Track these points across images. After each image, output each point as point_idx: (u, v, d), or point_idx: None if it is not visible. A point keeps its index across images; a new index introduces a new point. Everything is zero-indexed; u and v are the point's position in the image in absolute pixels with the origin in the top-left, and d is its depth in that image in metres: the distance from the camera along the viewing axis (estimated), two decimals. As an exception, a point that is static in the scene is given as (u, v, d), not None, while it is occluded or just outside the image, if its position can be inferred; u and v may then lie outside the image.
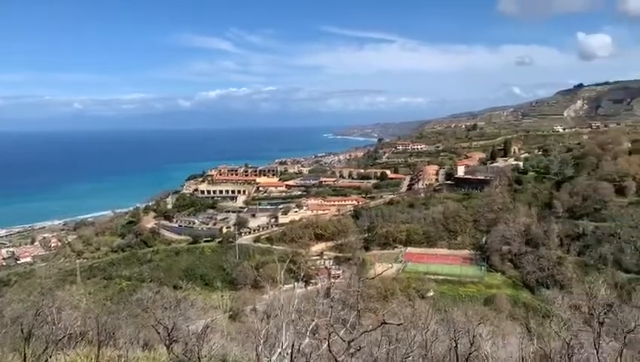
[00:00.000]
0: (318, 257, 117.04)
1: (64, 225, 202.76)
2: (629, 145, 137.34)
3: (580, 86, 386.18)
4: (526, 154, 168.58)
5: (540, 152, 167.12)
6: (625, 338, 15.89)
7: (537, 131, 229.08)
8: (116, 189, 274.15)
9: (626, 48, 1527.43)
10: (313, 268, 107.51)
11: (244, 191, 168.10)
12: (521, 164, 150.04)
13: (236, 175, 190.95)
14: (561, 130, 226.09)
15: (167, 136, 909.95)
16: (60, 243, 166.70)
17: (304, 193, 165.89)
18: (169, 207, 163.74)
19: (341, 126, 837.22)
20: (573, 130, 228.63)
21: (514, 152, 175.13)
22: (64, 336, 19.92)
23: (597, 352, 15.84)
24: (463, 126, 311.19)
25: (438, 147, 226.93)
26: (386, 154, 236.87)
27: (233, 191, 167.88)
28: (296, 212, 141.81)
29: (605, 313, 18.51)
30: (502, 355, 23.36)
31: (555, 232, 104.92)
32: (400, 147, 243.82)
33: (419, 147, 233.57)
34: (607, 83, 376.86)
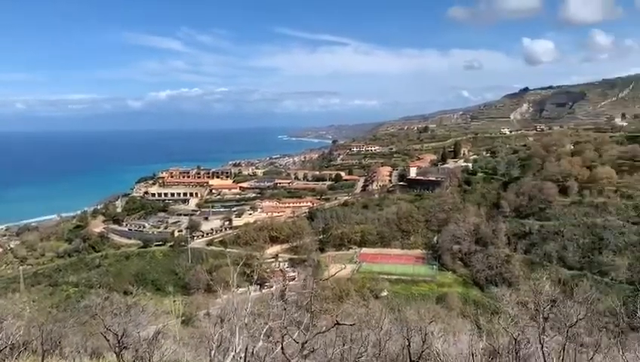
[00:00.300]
0: (273, 259, 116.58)
1: (6, 230, 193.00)
2: (572, 146, 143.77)
3: (526, 90, 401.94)
4: (475, 156, 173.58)
5: (488, 154, 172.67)
6: (567, 332, 16.53)
7: (485, 133, 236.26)
8: (62, 192, 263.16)
9: (568, 54, 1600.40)
10: (268, 270, 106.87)
11: (196, 194, 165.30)
12: (470, 165, 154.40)
13: (188, 177, 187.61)
14: (507, 133, 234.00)
15: (117, 137, 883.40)
16: (1, 250, 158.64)
17: (258, 195, 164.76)
18: (118, 210, 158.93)
19: (296, 127, 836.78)
20: (519, 132, 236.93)
21: (463, 154, 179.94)
22: (5, 347, 18.99)
23: (541, 347, 16.41)
24: (415, 128, 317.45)
25: (391, 149, 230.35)
26: (341, 156, 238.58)
27: (185, 194, 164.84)
28: (250, 214, 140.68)
29: (550, 308, 19.23)
30: (452, 352, 23.83)
31: (502, 231, 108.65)
32: (354, 149, 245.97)
33: (373, 149, 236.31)
34: (550, 87, 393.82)
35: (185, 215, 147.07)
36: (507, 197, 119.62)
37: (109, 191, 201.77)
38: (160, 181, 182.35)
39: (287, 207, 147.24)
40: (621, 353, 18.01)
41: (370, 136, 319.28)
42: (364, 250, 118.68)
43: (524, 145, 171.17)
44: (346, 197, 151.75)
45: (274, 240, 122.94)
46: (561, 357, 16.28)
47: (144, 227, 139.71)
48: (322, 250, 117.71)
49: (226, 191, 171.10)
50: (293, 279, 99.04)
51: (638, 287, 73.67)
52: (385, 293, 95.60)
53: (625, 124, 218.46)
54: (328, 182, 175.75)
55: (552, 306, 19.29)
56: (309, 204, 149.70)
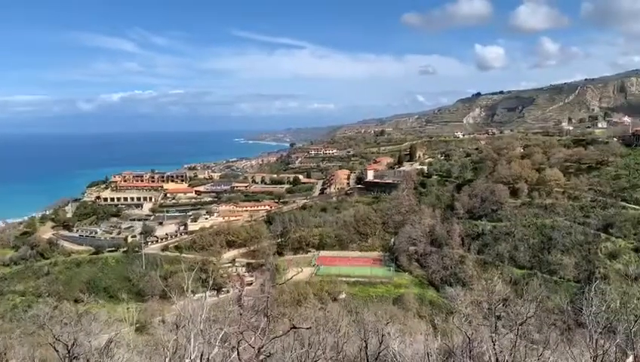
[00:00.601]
0: (230, 264, 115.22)
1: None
2: (522, 150, 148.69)
3: (478, 95, 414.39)
4: (430, 159, 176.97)
5: (443, 157, 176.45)
6: (518, 329, 17.00)
7: (440, 137, 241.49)
8: (7, 198, 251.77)
9: (518, 60, 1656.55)
10: (225, 275, 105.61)
11: (150, 198, 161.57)
12: (425, 168, 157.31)
13: (142, 181, 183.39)
14: (461, 136, 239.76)
15: (67, 140, 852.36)
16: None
17: (215, 199, 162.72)
18: (69, 215, 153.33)
19: (253, 130, 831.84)
20: (472, 136, 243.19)
21: (419, 157, 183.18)
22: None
23: (494, 345, 16.82)
24: (373, 131, 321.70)
25: (349, 152, 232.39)
26: (299, 159, 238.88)
27: (139, 199, 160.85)
28: (206, 219, 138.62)
29: (502, 307, 19.76)
30: (409, 352, 24.15)
31: (457, 232, 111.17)
32: (312, 152, 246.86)
33: (331, 152, 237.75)
34: (501, 92, 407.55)
35: (139, 220, 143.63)
36: (461, 199, 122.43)
37: (58, 195, 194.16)
38: (112, 185, 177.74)
39: (245, 210, 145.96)
40: (568, 348, 18.68)
41: (328, 139, 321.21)
42: (323, 253, 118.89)
43: (477, 149, 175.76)
44: (305, 201, 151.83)
45: (231, 245, 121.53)
46: (512, 354, 16.71)
47: (96, 233, 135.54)
48: (280, 254, 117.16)
49: (182, 195, 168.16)
50: (251, 284, 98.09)
51: (584, 285, 76.64)
52: (343, 296, 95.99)
53: (571, 128, 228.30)
54: (286, 186, 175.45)
55: (504, 305, 19.81)
56: (266, 207, 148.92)
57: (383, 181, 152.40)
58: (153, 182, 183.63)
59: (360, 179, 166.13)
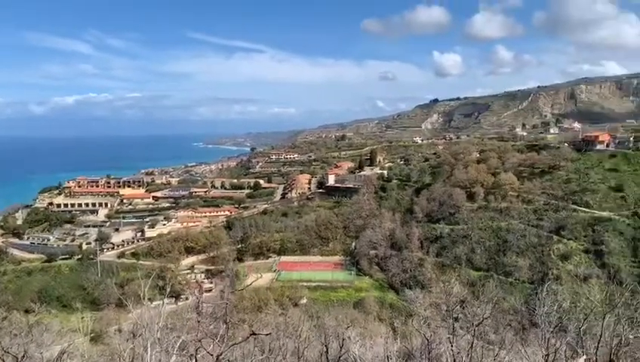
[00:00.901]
0: (188, 271, 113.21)
1: None
2: (478, 154, 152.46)
3: (436, 101, 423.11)
4: (390, 164, 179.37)
5: (402, 162, 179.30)
6: (475, 330, 17.31)
7: (399, 142, 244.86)
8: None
9: (474, 67, 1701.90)
10: (183, 282, 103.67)
11: (106, 204, 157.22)
12: (385, 172, 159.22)
13: (97, 187, 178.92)
14: (420, 141, 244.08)
15: (18, 143, 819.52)
16: None
17: (173, 205, 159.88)
18: (19, 222, 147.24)
19: (212, 135, 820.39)
20: (430, 141, 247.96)
21: (379, 162, 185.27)
22: None
23: (452, 346, 17.08)
24: (333, 136, 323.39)
25: (310, 156, 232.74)
26: (260, 164, 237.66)
27: (94, 205, 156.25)
28: (164, 225, 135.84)
29: (461, 308, 20.09)
30: (369, 356, 24.28)
31: (416, 236, 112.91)
32: (273, 156, 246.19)
33: (292, 156, 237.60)
34: (458, 98, 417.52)
35: (94, 226, 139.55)
36: (420, 203, 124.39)
37: (8, 202, 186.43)
38: (66, 191, 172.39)
39: (204, 216, 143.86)
40: (522, 348, 19.16)
41: (289, 144, 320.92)
42: (284, 258, 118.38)
43: (435, 154, 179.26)
44: (266, 206, 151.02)
45: (189, 251, 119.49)
46: (469, 355, 17.00)
47: (48, 240, 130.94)
48: (240, 260, 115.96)
49: (139, 200, 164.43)
50: (210, 290, 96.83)
51: (537, 286, 79.01)
52: (304, 301, 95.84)
53: (525, 133, 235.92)
54: (247, 191, 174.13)
55: (461, 306, 20.14)
56: (226, 213, 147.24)
57: (344, 185, 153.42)
58: (109, 187, 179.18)
59: (321, 184, 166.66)
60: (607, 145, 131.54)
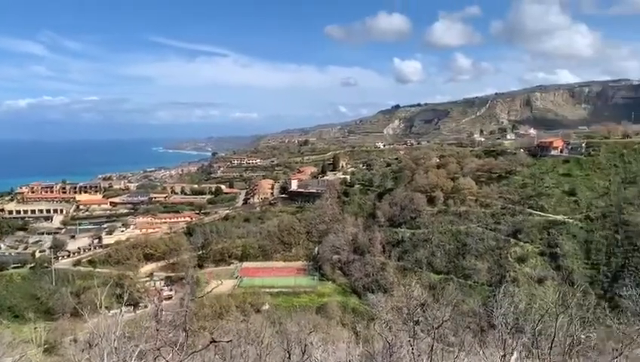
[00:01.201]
0: (148, 278, 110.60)
1: None
2: (437, 160, 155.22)
3: (397, 107, 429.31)
4: (352, 169, 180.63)
5: (365, 167, 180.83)
6: (435, 333, 17.47)
7: (362, 147, 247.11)
8: None
9: (434, 75, 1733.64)
10: (142, 290, 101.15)
11: (61, 211, 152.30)
12: (348, 177, 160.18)
13: (52, 192, 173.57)
14: (381, 147, 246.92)
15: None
16: None
17: (132, 211, 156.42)
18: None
19: (173, 139, 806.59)
20: (392, 146, 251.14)
21: (342, 167, 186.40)
22: None
23: (412, 349, 17.18)
24: (296, 141, 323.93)
25: (272, 161, 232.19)
26: (221, 169, 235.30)
27: (48, 211, 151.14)
28: (122, 231, 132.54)
29: (422, 311, 20.27)
30: (331, 361, 24.23)
31: (378, 240, 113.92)
32: (235, 161, 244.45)
33: (254, 161, 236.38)
34: (419, 105, 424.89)
35: (48, 233, 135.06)
36: (382, 208, 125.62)
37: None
38: (19, 197, 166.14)
39: (164, 222, 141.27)
40: (481, 350, 19.48)
41: (251, 148, 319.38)
42: (246, 264, 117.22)
43: (396, 159, 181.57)
44: (227, 211, 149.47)
45: (149, 258, 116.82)
46: (430, 358, 17.14)
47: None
48: (201, 267, 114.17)
49: (96, 206, 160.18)
50: (170, 298, 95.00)
51: (495, 288, 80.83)
52: (266, 307, 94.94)
53: (482, 139, 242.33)
54: (208, 196, 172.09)
55: (422, 309, 20.33)
56: (187, 218, 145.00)
57: (306, 190, 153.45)
58: (64, 193, 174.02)
59: (284, 189, 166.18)
60: (561, 151, 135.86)
